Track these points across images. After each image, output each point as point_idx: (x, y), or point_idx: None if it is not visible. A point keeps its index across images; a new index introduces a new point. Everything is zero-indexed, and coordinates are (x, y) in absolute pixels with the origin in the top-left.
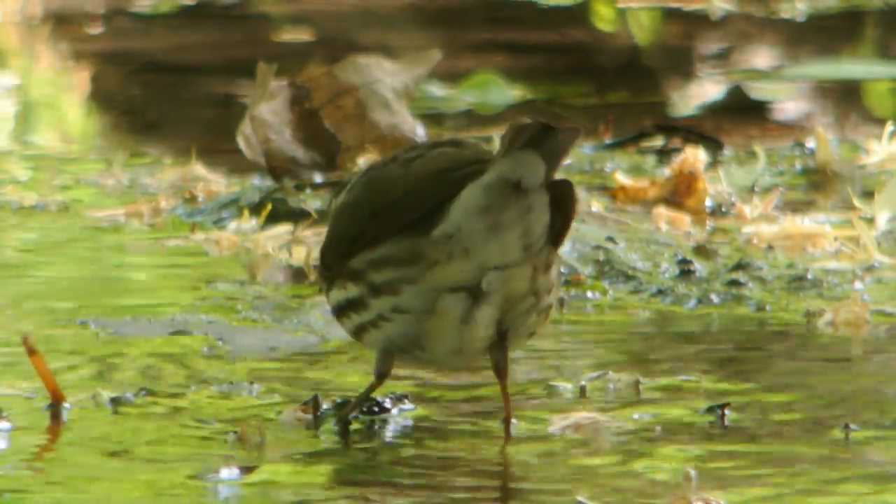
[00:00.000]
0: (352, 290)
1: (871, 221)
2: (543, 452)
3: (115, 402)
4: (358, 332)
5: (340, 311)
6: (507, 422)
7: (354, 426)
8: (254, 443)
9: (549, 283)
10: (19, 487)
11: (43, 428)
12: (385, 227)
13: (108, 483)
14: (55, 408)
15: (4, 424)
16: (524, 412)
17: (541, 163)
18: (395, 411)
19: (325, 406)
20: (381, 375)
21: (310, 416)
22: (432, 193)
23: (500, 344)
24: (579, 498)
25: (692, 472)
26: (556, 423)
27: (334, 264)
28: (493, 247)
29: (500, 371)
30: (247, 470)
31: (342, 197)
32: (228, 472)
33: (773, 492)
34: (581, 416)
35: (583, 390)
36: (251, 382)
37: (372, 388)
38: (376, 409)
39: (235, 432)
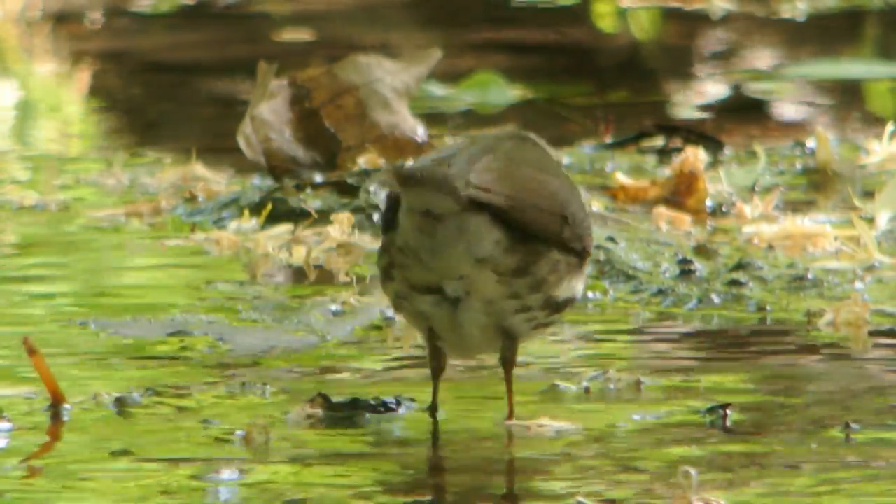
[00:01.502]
0: (382, 261)
1: (871, 221)
2: (543, 452)
3: (120, 402)
4: (411, 319)
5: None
6: (510, 415)
7: (356, 426)
8: (259, 443)
9: (537, 282)
10: (19, 487)
11: (43, 428)
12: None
13: (109, 483)
14: (55, 408)
15: (5, 424)
16: (526, 412)
17: (436, 194)
18: (401, 411)
19: (327, 406)
20: (435, 371)
21: (315, 416)
22: (389, 207)
23: (507, 342)
24: (579, 498)
25: (692, 472)
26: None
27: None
28: (439, 262)
29: (507, 362)
30: (247, 470)
31: None
32: (229, 473)
33: (773, 492)
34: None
35: (587, 390)
36: (264, 383)
37: (434, 389)
38: (381, 409)
39: (241, 432)
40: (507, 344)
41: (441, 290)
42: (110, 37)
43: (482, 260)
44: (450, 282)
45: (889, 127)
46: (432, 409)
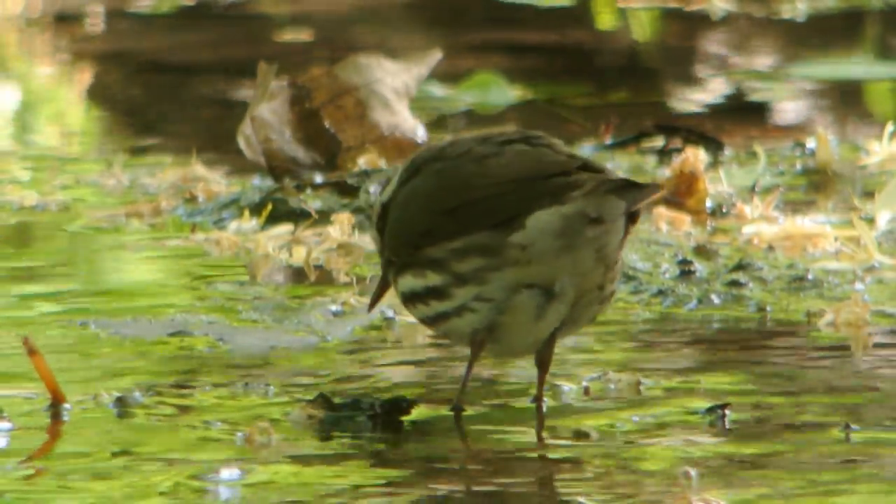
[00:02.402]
0: (433, 279)
1: (871, 221)
2: (543, 453)
3: (121, 402)
4: (435, 320)
5: (415, 298)
6: (538, 400)
7: (357, 427)
8: (261, 443)
9: (615, 274)
10: (19, 487)
11: (43, 428)
12: (464, 224)
13: (109, 483)
14: (55, 408)
15: (5, 424)
16: (521, 412)
17: (622, 205)
18: (400, 413)
19: (327, 407)
20: (479, 344)
21: (317, 416)
22: (512, 203)
23: (548, 338)
24: (579, 498)
25: (692, 472)
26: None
27: (402, 253)
28: (566, 261)
29: (544, 364)
30: (247, 470)
31: (394, 186)
32: (229, 473)
33: (773, 492)
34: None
35: (587, 391)
36: (266, 384)
37: (472, 359)
38: (379, 409)
39: (243, 432)
40: (545, 347)
41: (544, 287)
42: (110, 37)
43: (603, 257)
44: (564, 278)
45: (889, 127)
46: (459, 409)
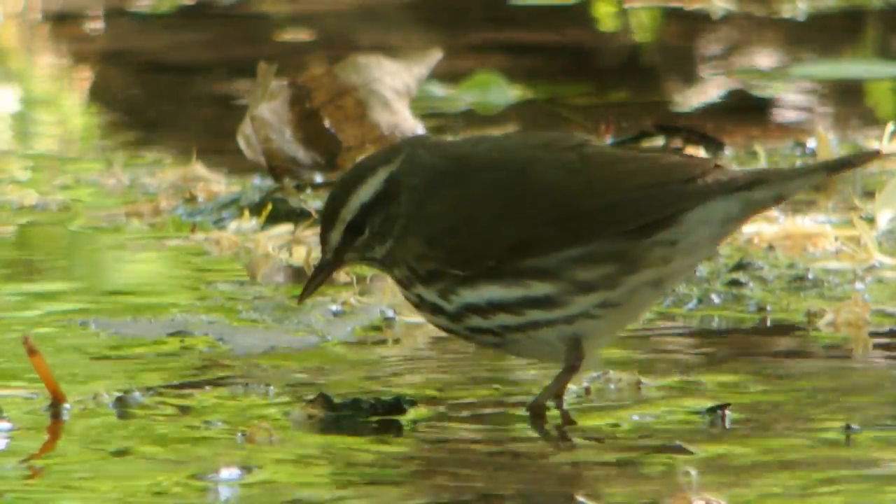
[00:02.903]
0: (539, 289)
1: (871, 221)
2: (543, 452)
3: (121, 402)
4: (518, 329)
5: (493, 309)
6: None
7: (357, 427)
8: (261, 443)
9: None
10: (20, 487)
11: (43, 428)
12: (587, 232)
13: (109, 483)
14: (55, 408)
15: (4, 424)
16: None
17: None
18: (400, 413)
19: (328, 407)
20: (578, 362)
21: (317, 415)
22: (659, 205)
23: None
24: (579, 498)
25: (692, 472)
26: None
27: (480, 262)
28: (707, 251)
29: (573, 368)
30: (247, 470)
31: (377, 188)
32: (229, 473)
33: (773, 492)
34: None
35: (587, 390)
36: (266, 384)
37: (566, 379)
38: (380, 409)
39: (243, 433)
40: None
41: (658, 281)
42: (110, 37)
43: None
44: (681, 272)
45: (889, 127)
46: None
